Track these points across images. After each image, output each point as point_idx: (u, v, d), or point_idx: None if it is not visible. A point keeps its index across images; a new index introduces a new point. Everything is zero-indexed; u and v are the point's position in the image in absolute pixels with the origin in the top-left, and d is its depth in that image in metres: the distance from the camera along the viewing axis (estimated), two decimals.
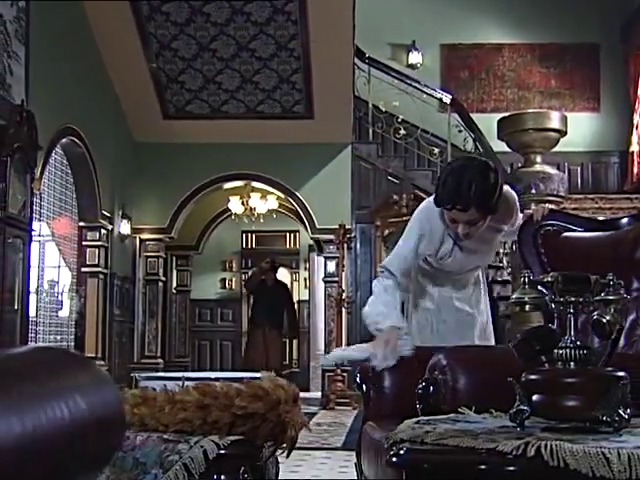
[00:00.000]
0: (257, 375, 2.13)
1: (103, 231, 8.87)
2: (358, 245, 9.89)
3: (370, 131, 10.23)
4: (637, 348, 2.45)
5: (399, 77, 10.24)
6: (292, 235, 12.89)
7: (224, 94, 9.41)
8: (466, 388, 2.02)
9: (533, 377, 1.64)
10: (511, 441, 1.37)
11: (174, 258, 11.42)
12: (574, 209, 9.21)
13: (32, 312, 8.35)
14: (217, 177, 10.07)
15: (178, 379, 2.70)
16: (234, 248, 13.08)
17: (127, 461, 1.96)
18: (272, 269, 10.69)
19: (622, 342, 2.64)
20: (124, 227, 9.49)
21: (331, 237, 9.73)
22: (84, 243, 8.77)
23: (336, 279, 9.77)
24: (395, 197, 9.41)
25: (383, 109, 10.13)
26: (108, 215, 9.02)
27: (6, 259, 5.80)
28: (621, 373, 1.61)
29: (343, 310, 9.63)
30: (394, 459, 1.37)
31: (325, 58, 8.82)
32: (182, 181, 9.94)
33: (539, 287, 1.65)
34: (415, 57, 11.90)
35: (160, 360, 9.94)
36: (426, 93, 10.24)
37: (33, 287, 8.69)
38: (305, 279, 12.80)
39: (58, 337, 8.91)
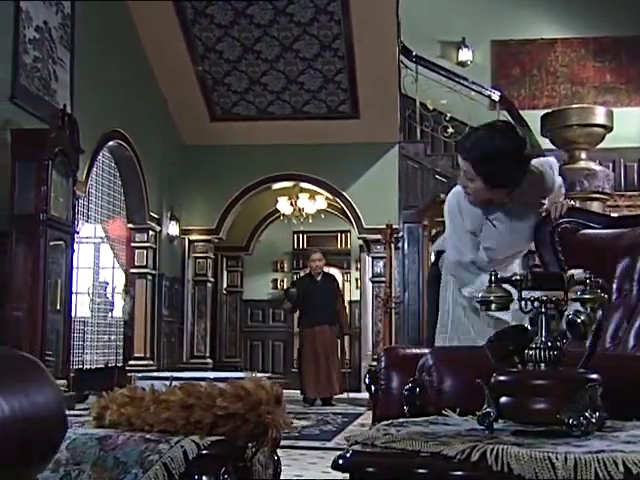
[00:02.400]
0: (242, 375, 2.12)
1: (151, 233, 9.00)
2: (406, 245, 9.80)
3: (418, 130, 10.15)
4: None
5: (447, 75, 10.13)
6: (343, 235, 12.87)
7: (270, 95, 9.45)
8: (452, 389, 1.98)
9: (501, 378, 1.59)
10: (458, 445, 1.33)
11: (224, 259, 11.51)
12: (628, 207, 8.98)
13: (83, 313, 8.55)
14: (265, 178, 10.13)
15: (174, 379, 2.71)
16: (285, 249, 13.12)
17: (108, 460, 1.97)
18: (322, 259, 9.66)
19: (631, 343, 2.56)
20: (172, 228, 9.61)
21: (378, 237, 9.68)
22: (132, 244, 8.91)
23: (383, 279, 9.71)
24: (442, 196, 9.26)
25: (430, 107, 10.03)
26: (156, 217, 9.14)
27: (49, 261, 5.91)
28: (593, 375, 1.55)
29: (392, 311, 9.56)
30: (340, 461, 1.34)
31: (369, 57, 8.79)
32: (230, 182, 10.02)
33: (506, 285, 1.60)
34: (465, 54, 11.77)
35: (209, 360, 10.04)
36: (474, 90, 10.11)
37: (84, 288, 8.89)
38: (356, 279, 12.76)
39: (112, 337, 9.08)
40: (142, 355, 8.71)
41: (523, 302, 1.59)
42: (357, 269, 12.77)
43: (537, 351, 1.60)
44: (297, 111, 9.63)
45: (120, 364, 8.59)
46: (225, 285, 11.65)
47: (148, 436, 2.00)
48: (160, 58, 8.93)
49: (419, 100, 10.04)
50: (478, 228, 3.09)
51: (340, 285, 10.58)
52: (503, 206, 3.02)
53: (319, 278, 9.67)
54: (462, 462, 1.28)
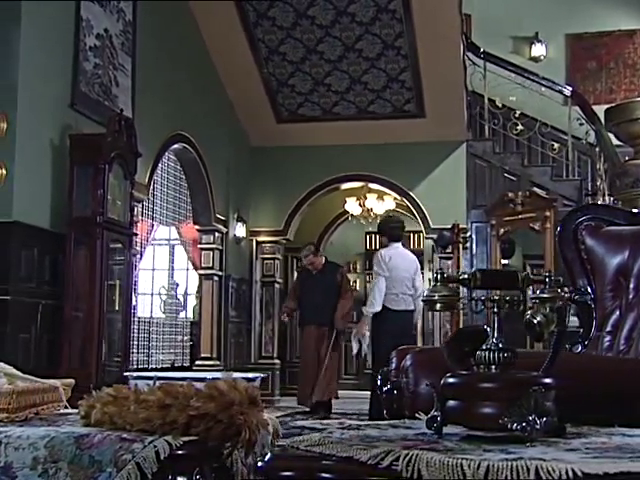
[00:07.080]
0: (219, 376, 2.11)
1: (217, 234, 9.09)
2: (474, 245, 9.64)
3: (486, 127, 9.97)
4: None
5: (516, 71, 9.90)
6: (416, 236, 12.72)
7: (334, 96, 9.44)
8: (427, 392, 1.92)
9: (449, 381, 1.53)
10: (375, 449, 1.28)
11: (294, 260, 11.54)
12: None
13: (154, 313, 8.71)
14: (331, 179, 10.11)
15: (168, 379, 2.72)
16: (358, 249, 13.07)
17: (84, 459, 1.99)
18: (315, 253, 8.74)
19: None
20: (239, 230, 9.69)
21: None
22: (199, 246, 9.03)
23: None
24: (510, 195, 9.10)
25: (499, 104, 9.82)
26: (222, 219, 9.24)
27: (107, 262, 6.04)
28: (544, 379, 1.48)
29: (460, 312, 9.40)
30: (259, 464, 1.31)
31: (433, 55, 8.67)
32: (297, 183, 10.05)
33: (452, 284, 1.54)
34: (538, 49, 11.50)
35: (277, 360, 10.07)
36: (545, 86, 9.85)
37: (156, 289, 9.06)
38: (429, 280, 12.61)
39: (185, 337, 9.23)
40: (209, 355, 8.81)
41: (473, 302, 1.53)
42: (430, 269, 12.62)
43: (488, 353, 1.53)
44: (362, 111, 9.59)
45: (187, 364, 8.71)
46: None
47: (124, 435, 2.02)
48: (224, 61, 9.02)
49: (487, 97, 9.85)
50: None
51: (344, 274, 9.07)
52: None
53: (316, 272, 8.67)
54: (374, 467, 1.24)
